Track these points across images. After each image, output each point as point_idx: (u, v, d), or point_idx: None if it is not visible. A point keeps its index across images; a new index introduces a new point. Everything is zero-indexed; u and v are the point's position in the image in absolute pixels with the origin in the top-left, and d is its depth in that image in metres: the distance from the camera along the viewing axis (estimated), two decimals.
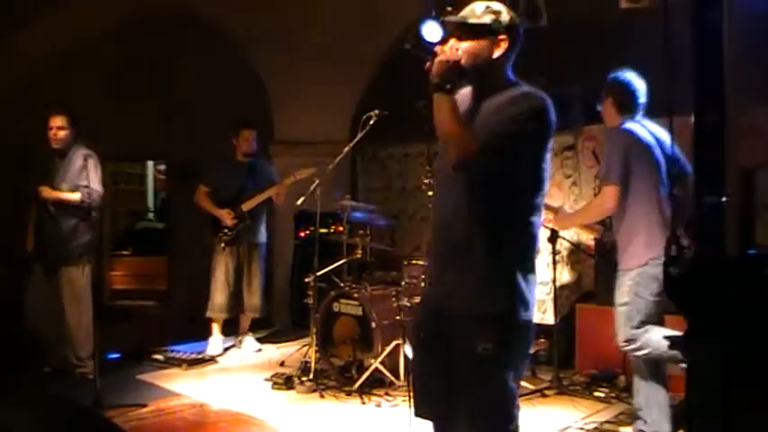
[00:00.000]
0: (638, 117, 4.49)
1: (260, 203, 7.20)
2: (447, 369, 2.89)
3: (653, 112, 4.54)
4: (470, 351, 2.78)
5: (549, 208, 4.82)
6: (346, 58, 8.24)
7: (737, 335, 2.40)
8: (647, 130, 4.44)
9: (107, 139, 8.13)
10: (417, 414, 3.06)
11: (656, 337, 4.18)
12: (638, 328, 4.26)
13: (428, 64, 2.79)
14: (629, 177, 4.27)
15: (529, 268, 2.90)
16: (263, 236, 7.40)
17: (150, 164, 14.89)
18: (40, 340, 6.29)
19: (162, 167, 13.70)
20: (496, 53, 2.87)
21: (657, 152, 4.36)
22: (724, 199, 2.62)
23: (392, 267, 6.95)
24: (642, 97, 4.50)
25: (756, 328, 2.40)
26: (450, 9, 2.95)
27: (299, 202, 6.37)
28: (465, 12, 2.87)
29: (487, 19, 2.85)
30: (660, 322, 4.33)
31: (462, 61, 2.83)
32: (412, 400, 3.12)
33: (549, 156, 2.88)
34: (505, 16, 2.88)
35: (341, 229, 6.78)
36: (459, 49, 2.84)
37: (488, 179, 2.78)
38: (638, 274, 4.26)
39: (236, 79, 8.96)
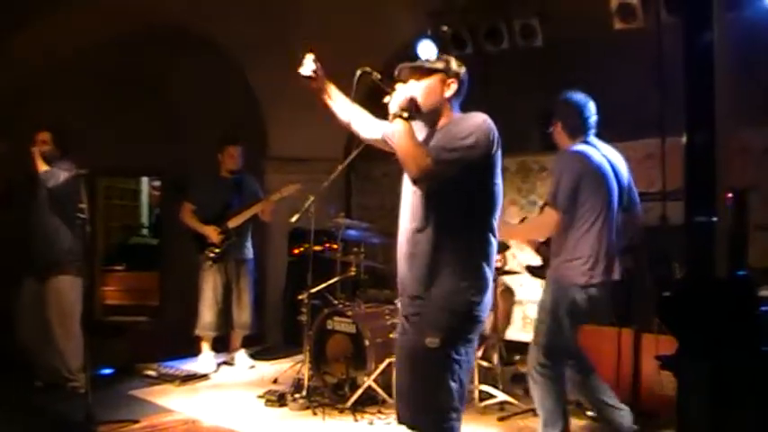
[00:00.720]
0: (590, 138, 4.47)
1: (246, 220, 7.19)
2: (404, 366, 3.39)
3: (643, 131, 4.55)
4: (418, 346, 3.22)
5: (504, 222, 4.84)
6: (342, 74, 8.25)
7: (726, 355, 2.42)
8: (601, 152, 4.41)
9: (101, 153, 8.15)
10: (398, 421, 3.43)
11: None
12: (549, 347, 4.35)
13: (388, 97, 3.33)
14: (576, 203, 4.26)
15: (479, 274, 3.28)
16: (249, 252, 7.40)
17: (145, 180, 14.90)
18: (31, 354, 6.28)
19: (156, 183, 13.70)
20: (447, 93, 3.42)
21: (610, 176, 4.35)
22: (714, 219, 2.65)
23: (385, 285, 6.96)
24: (592, 117, 4.48)
25: (745, 349, 2.42)
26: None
27: (293, 219, 6.37)
28: (421, 59, 3.55)
29: (440, 65, 3.43)
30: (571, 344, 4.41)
31: (418, 98, 3.35)
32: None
33: (500, 176, 3.35)
34: (454, 64, 3.46)
35: (335, 246, 6.80)
36: (416, 89, 3.37)
37: (442, 190, 3.23)
38: (560, 293, 4.31)
39: (231, 95, 8.98)
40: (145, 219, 15.53)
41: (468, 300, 3.23)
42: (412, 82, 3.40)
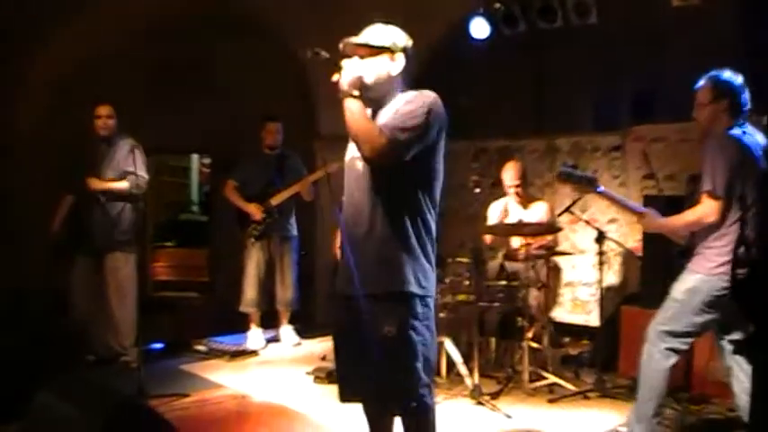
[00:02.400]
0: (745, 123, 4.23)
1: (289, 198, 7.21)
2: (362, 351, 3.21)
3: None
4: (376, 332, 3.11)
5: (633, 209, 4.62)
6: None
7: None
8: (752, 137, 4.19)
9: (151, 132, 8.18)
10: (343, 399, 3.41)
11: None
12: (668, 333, 4.21)
13: (335, 75, 3.19)
14: (732, 190, 4.04)
15: (426, 255, 3.26)
16: (293, 229, 7.43)
17: (195, 157, 15.01)
18: (85, 329, 6.37)
19: (206, 161, 13.79)
20: (394, 70, 3.30)
21: (760, 163, 4.14)
22: None
23: (435, 264, 6.91)
24: (749, 103, 4.23)
25: None
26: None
27: (343, 197, 6.36)
28: (366, 35, 3.30)
29: (386, 42, 3.29)
30: (695, 336, 4.27)
31: (364, 76, 3.21)
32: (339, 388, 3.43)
33: (441, 154, 3.28)
34: (401, 39, 3.33)
35: None
36: (362, 66, 3.23)
37: (392, 169, 3.13)
38: (703, 280, 4.14)
39: (281, 74, 8.97)
40: (194, 196, 15.66)
41: (418, 283, 3.18)
42: (356, 59, 3.26)
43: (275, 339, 7.44)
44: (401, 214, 3.17)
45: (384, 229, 3.16)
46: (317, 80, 8.79)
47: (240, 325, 7.37)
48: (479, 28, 7.53)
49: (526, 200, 6.67)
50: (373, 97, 3.27)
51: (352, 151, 3.30)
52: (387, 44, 3.28)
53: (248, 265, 7.24)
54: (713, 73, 4.28)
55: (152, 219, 11.33)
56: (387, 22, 3.38)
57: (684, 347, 4.26)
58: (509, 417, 5.06)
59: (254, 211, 7.13)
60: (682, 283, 4.23)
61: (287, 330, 7.45)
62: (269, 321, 7.47)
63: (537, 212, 6.58)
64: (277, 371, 6.45)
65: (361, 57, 3.25)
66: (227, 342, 7.11)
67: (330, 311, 3.44)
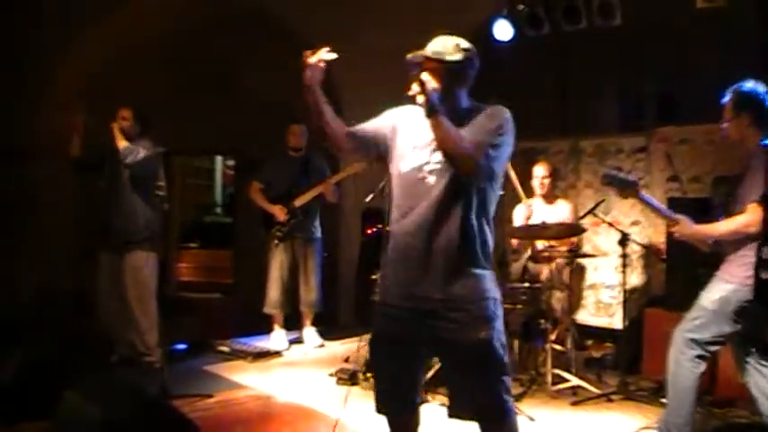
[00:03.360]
0: None
1: (313, 199, 7.22)
2: (420, 364, 3.34)
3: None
4: (466, 339, 3.10)
5: (668, 216, 4.57)
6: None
7: None
8: None
9: (177, 133, 8.25)
10: (383, 411, 3.39)
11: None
12: (696, 341, 4.17)
13: (417, 90, 3.06)
14: None
15: (491, 259, 3.25)
16: (317, 231, 7.42)
17: (219, 159, 15.09)
18: (109, 329, 6.42)
19: (230, 162, 13.86)
20: (464, 85, 3.29)
21: None
22: None
23: None
24: None
25: None
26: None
27: (367, 199, 6.39)
28: (437, 47, 3.23)
29: (459, 56, 3.22)
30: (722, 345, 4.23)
31: (438, 88, 3.09)
32: (378, 400, 3.39)
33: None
34: (472, 54, 3.27)
35: None
36: (435, 81, 3.10)
37: (478, 184, 3.14)
38: (734, 290, 4.10)
39: (302, 77, 8.99)
40: (219, 197, 15.75)
41: (494, 287, 3.21)
42: (425, 75, 3.10)
43: (298, 341, 7.46)
44: (475, 223, 3.16)
45: (461, 239, 3.12)
46: (342, 82, 8.83)
47: (264, 326, 7.40)
48: (503, 30, 7.52)
49: (552, 197, 6.68)
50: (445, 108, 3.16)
51: (413, 161, 3.23)
52: (460, 58, 3.23)
53: (272, 267, 7.27)
54: (735, 86, 4.25)
55: (176, 220, 11.40)
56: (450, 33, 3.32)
57: (710, 355, 4.22)
58: (532, 419, 5.05)
59: (279, 212, 7.15)
60: (713, 292, 4.19)
61: (310, 332, 7.46)
62: (292, 323, 7.49)
63: (561, 212, 6.58)
64: (300, 372, 6.47)
65: (431, 69, 3.16)
66: (250, 343, 7.13)
67: (379, 322, 3.35)
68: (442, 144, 3.09)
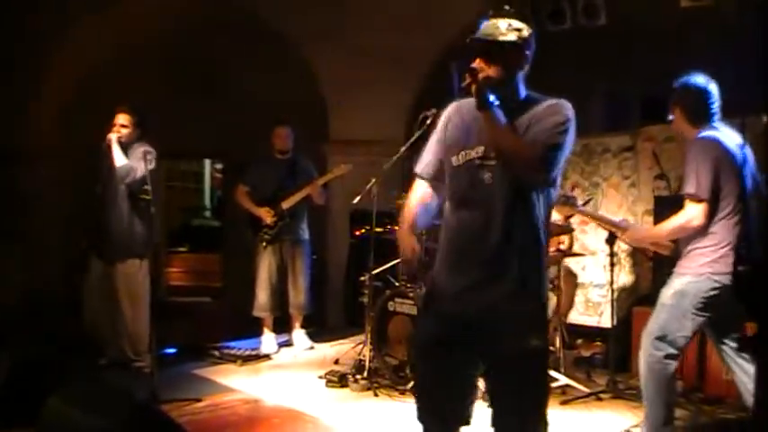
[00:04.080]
0: (716, 124, 4.17)
1: (300, 201, 7.20)
2: (470, 374, 3.05)
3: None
4: (522, 347, 2.92)
5: (614, 225, 4.58)
6: (402, 56, 8.24)
7: None
8: (728, 137, 4.13)
9: (164, 137, 8.22)
10: (425, 419, 3.13)
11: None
12: (661, 339, 4.15)
13: (468, 80, 2.88)
14: (718, 192, 4.00)
15: (546, 262, 3.09)
16: (305, 233, 7.41)
17: (207, 162, 15.08)
18: (98, 334, 6.41)
19: (218, 166, 13.85)
20: (522, 68, 3.02)
21: (741, 162, 4.06)
22: None
23: None
24: (716, 102, 4.18)
25: None
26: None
27: (354, 200, 6.39)
28: (489, 29, 2.96)
29: (513, 36, 2.94)
30: (688, 340, 4.21)
31: (493, 75, 2.92)
32: (422, 407, 3.15)
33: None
34: (526, 33, 2.98)
35: (396, 228, 6.75)
36: (490, 67, 2.92)
37: (535, 187, 2.94)
38: (689, 282, 4.10)
39: (291, 79, 9.00)
40: (207, 201, 15.74)
41: (547, 293, 3.10)
42: (479, 61, 2.92)
43: (288, 343, 7.45)
44: (534, 224, 2.96)
45: (521, 241, 2.92)
46: (328, 84, 8.83)
47: (253, 329, 7.39)
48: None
49: None
50: (500, 101, 2.94)
51: (463, 155, 3.02)
52: (515, 39, 2.94)
53: (260, 270, 7.25)
54: (681, 79, 4.27)
55: (165, 224, 11.38)
56: (502, 14, 3.01)
57: (678, 352, 4.18)
58: None
59: (265, 214, 7.14)
60: (669, 288, 4.19)
61: (299, 334, 7.45)
62: (282, 325, 7.48)
63: None
64: (289, 375, 6.46)
65: (488, 58, 2.94)
66: (239, 346, 7.12)
67: (429, 327, 3.13)
68: (496, 141, 2.90)
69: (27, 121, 8.28)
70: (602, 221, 4.50)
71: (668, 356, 4.15)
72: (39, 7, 7.61)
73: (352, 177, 6.93)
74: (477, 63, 2.91)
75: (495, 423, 3.01)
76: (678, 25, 7.07)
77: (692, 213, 4.03)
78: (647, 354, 4.22)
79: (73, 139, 7.80)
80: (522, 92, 3.05)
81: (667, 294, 4.18)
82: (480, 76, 2.87)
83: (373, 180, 6.15)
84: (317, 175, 7.30)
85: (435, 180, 3.21)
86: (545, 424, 2.98)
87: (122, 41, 8.72)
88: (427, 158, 3.24)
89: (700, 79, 4.20)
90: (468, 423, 3.08)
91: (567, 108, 2.95)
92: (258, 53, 9.14)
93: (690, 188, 4.03)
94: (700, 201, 4.00)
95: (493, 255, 2.93)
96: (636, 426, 4.82)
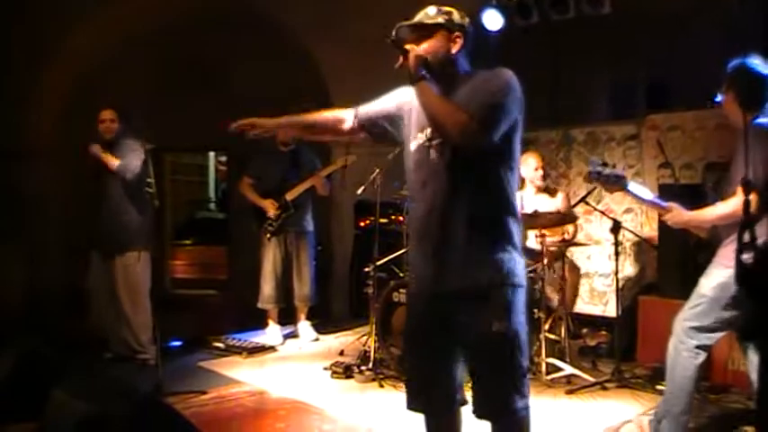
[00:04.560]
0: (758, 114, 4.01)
1: (304, 192, 7.20)
2: (450, 357, 3.07)
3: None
4: (481, 331, 2.92)
5: (659, 206, 4.52)
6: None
7: None
8: None
9: (167, 130, 8.25)
10: (413, 407, 3.21)
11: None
12: (697, 329, 4.11)
13: (401, 61, 3.01)
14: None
15: (515, 239, 3.03)
16: (309, 224, 7.39)
17: (212, 155, 15.07)
18: (102, 328, 6.42)
19: (223, 158, 13.84)
20: (454, 49, 3.09)
21: None
22: None
23: None
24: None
25: None
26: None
27: (358, 191, 6.38)
28: (419, 16, 3.13)
29: (441, 19, 3.09)
30: (723, 333, 4.15)
31: (424, 56, 3.03)
32: (409, 392, 3.23)
33: (520, 133, 3.05)
34: (456, 16, 3.12)
35: (401, 218, 6.76)
36: (420, 49, 3.04)
37: (482, 154, 2.94)
38: (733, 275, 4.03)
39: (294, 71, 8.98)
40: (212, 193, 15.73)
41: (515, 272, 2.96)
42: (412, 45, 3.05)
43: (293, 335, 7.45)
44: (490, 201, 2.97)
45: (475, 220, 2.94)
46: (331, 75, 8.81)
47: (259, 321, 7.39)
48: (492, 19, 7.49)
49: (544, 190, 6.68)
50: (439, 80, 3.04)
51: (416, 140, 3.10)
52: (441, 21, 3.08)
53: (265, 262, 7.25)
54: (735, 60, 4.10)
55: (170, 217, 11.38)
56: (439, 4, 3.18)
57: (711, 343, 4.14)
58: None
59: (270, 206, 7.13)
60: (711, 278, 4.09)
61: (305, 326, 7.45)
62: (287, 317, 7.48)
63: (553, 202, 6.57)
64: (294, 366, 6.46)
65: (418, 39, 3.07)
66: (245, 338, 7.12)
67: (410, 316, 3.21)
68: (427, 111, 2.97)
69: (28, 120, 8.28)
70: (647, 201, 4.41)
71: (700, 347, 4.10)
72: (39, 5, 7.59)
73: (357, 168, 6.92)
74: (409, 46, 3.03)
75: (473, 405, 3.05)
76: (683, 12, 7.03)
77: (741, 201, 3.92)
78: (678, 341, 4.17)
79: (74, 137, 7.76)
80: (464, 68, 3.13)
81: (709, 285, 4.08)
82: (413, 53, 2.99)
83: (377, 171, 6.14)
84: (320, 167, 7.28)
85: (360, 120, 3.36)
86: (522, 408, 2.98)
87: (122, 38, 8.71)
88: (371, 105, 3.37)
89: (757, 63, 4.04)
90: (464, 403, 3.14)
91: (506, 73, 2.98)
92: (259, 45, 9.12)
93: (753, 176, 3.76)
94: (755, 189, 3.80)
95: (441, 234, 2.98)
96: (642, 414, 4.82)
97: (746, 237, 2.46)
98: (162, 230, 10.33)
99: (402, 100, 3.27)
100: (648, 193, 4.47)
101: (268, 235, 7.17)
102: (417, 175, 3.11)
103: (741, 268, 2.65)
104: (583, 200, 6.25)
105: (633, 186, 4.32)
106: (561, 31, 7.78)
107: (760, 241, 3.84)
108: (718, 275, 4.06)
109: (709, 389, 5.26)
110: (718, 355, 5.31)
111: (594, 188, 6.41)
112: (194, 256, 12.14)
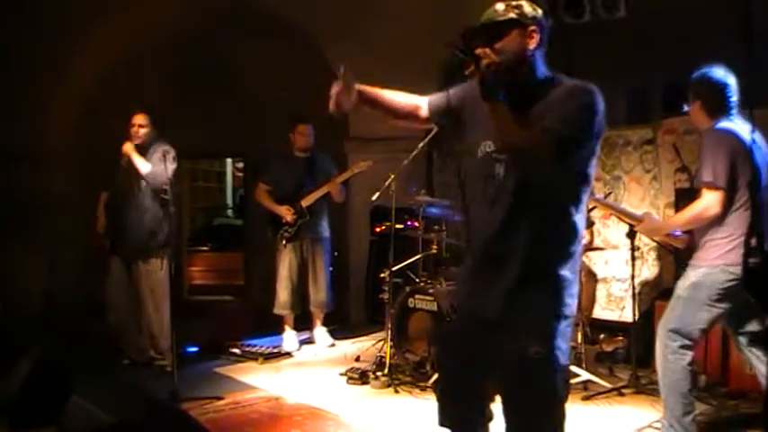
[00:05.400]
0: (733, 117, 4.15)
1: (320, 199, 7.20)
2: (485, 377, 2.96)
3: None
4: (522, 356, 2.75)
5: (631, 216, 4.56)
6: (421, 53, 8.20)
7: None
8: (743, 130, 4.10)
9: (185, 137, 8.27)
10: (443, 423, 3.09)
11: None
12: (677, 331, 4.14)
13: (472, 69, 2.74)
14: (734, 183, 3.98)
15: (574, 268, 2.87)
16: (325, 230, 7.39)
17: (229, 161, 15.12)
18: (120, 333, 6.45)
19: (240, 165, 13.89)
20: (530, 46, 2.83)
21: (756, 153, 4.04)
22: None
23: None
24: (734, 95, 4.16)
25: None
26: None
27: (373, 197, 6.38)
28: (486, 15, 2.85)
29: (512, 14, 2.81)
30: (704, 332, 4.21)
31: (498, 61, 2.74)
32: (441, 408, 3.11)
33: (595, 158, 2.87)
34: (528, 9, 2.84)
35: (416, 224, 6.75)
36: (494, 52, 2.76)
37: (551, 182, 2.76)
38: (705, 274, 4.09)
39: (310, 76, 8.98)
40: (229, 200, 15.79)
41: (570, 302, 2.83)
42: (482, 49, 2.75)
43: (309, 341, 7.45)
44: (553, 227, 2.80)
45: (534, 243, 2.77)
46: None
47: (276, 327, 7.40)
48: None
49: None
50: (515, 85, 2.81)
51: (482, 147, 2.91)
52: (513, 16, 2.80)
53: (281, 268, 7.25)
54: (697, 72, 4.27)
55: (187, 223, 11.43)
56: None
57: (693, 342, 4.18)
58: None
59: (285, 212, 7.13)
60: (685, 279, 4.20)
61: (321, 332, 7.46)
62: (304, 323, 7.49)
63: None
64: (310, 372, 6.47)
65: (489, 42, 2.78)
66: (261, 344, 7.14)
67: (450, 329, 3.11)
68: (501, 136, 2.76)
69: (47, 125, 8.33)
70: (619, 213, 4.47)
71: (683, 347, 4.15)
72: (56, 10, 7.64)
73: (373, 174, 6.91)
74: (480, 51, 2.74)
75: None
76: (699, 15, 6.99)
77: (709, 201, 4.02)
78: (662, 345, 4.23)
79: (94, 141, 7.83)
80: (541, 73, 2.89)
81: (683, 286, 4.18)
82: (483, 62, 2.71)
83: (392, 176, 6.14)
84: (336, 173, 7.29)
85: (430, 109, 3.17)
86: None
87: (140, 43, 8.75)
88: (440, 97, 3.12)
89: (718, 72, 4.19)
90: (491, 419, 3.05)
91: (590, 92, 2.76)
92: (277, 50, 9.14)
93: (706, 176, 4.02)
94: (716, 189, 3.99)
95: (495, 252, 2.85)
96: (657, 421, 4.79)
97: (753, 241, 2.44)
98: (179, 237, 10.38)
99: (468, 96, 3.00)
100: (619, 204, 4.50)
101: (284, 241, 7.18)
102: (481, 188, 2.92)
103: (748, 272, 2.65)
104: (598, 204, 6.23)
105: (599, 195, 4.37)
106: (575, 35, 7.75)
107: (739, 241, 3.95)
108: (691, 276, 4.16)
109: (726, 394, 5.23)
110: (736, 360, 5.27)
111: (610, 192, 6.41)
112: (211, 263, 12.17)
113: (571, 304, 2.85)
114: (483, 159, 2.90)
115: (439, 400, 3.17)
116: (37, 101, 8.09)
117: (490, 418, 3.06)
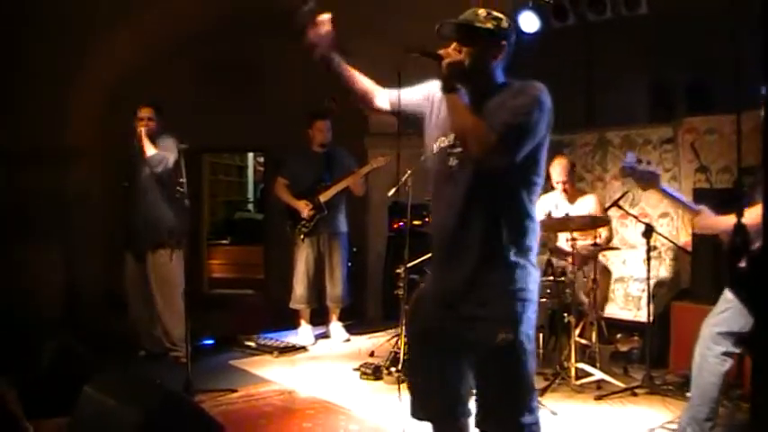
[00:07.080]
0: None
1: (338, 194, 7.22)
2: (455, 365, 3.01)
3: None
4: (488, 341, 2.84)
5: (689, 208, 4.46)
6: (442, 48, 8.20)
7: None
8: None
9: (206, 131, 8.33)
10: (417, 416, 3.14)
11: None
12: (724, 335, 4.06)
13: (443, 61, 2.90)
14: None
15: (532, 252, 2.97)
16: (343, 226, 7.42)
17: (250, 156, 15.16)
18: (136, 325, 6.51)
19: (261, 159, 13.93)
20: (495, 59, 2.98)
21: None
22: None
23: None
24: None
25: None
26: None
27: (390, 193, 6.39)
28: (468, 15, 2.96)
29: (490, 25, 2.94)
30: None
31: (465, 63, 2.91)
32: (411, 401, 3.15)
33: (545, 149, 2.96)
34: (505, 23, 2.98)
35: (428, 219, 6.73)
36: (462, 52, 2.93)
37: (502, 172, 2.85)
38: None
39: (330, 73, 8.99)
40: (250, 194, 15.83)
41: (527, 287, 2.89)
42: (455, 45, 2.94)
43: (325, 336, 7.48)
44: (507, 214, 2.89)
45: (490, 232, 2.87)
46: (367, 76, 8.80)
47: (292, 321, 7.44)
48: (529, 21, 7.45)
49: (573, 195, 6.61)
50: (474, 87, 2.97)
51: (438, 142, 3.03)
52: (491, 27, 2.93)
53: (298, 262, 7.29)
54: None
55: (208, 217, 11.48)
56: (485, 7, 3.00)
57: (737, 350, 4.10)
58: (554, 413, 5.01)
59: (303, 207, 7.16)
60: None
61: (336, 327, 7.48)
62: (320, 318, 7.52)
63: (584, 206, 6.51)
64: (324, 366, 6.49)
65: (461, 40, 2.93)
66: (277, 338, 7.17)
67: (416, 320, 3.15)
68: (454, 123, 2.91)
69: (66, 122, 8.38)
70: (678, 202, 4.36)
71: (726, 353, 4.08)
72: (79, 8, 7.69)
73: (392, 170, 6.91)
74: (452, 46, 2.93)
75: (476, 419, 2.98)
76: (722, 11, 6.93)
77: None
78: (705, 346, 4.15)
79: (111, 138, 7.88)
80: (499, 79, 3.02)
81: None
82: (447, 60, 2.89)
83: (408, 172, 6.13)
84: (355, 168, 7.30)
85: (392, 102, 3.26)
86: (530, 424, 2.88)
87: (161, 40, 8.78)
88: (406, 91, 3.25)
89: None
90: (469, 414, 3.07)
91: (537, 89, 2.88)
92: (298, 48, 9.13)
93: None
94: None
95: (454, 243, 2.94)
96: (671, 422, 4.76)
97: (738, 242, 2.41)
98: (199, 230, 10.43)
99: (430, 94, 3.17)
100: (680, 195, 4.43)
101: (302, 236, 7.20)
102: (436, 179, 3.06)
103: (735, 275, 2.62)
104: (616, 203, 6.20)
105: (666, 185, 4.29)
106: (597, 32, 7.71)
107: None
108: None
109: (741, 397, 5.19)
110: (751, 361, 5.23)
111: (627, 191, 6.36)
112: (232, 256, 12.24)
113: (533, 290, 2.93)
114: (439, 154, 3.03)
115: (410, 391, 3.19)
116: (59, 99, 8.14)
117: (468, 413, 3.08)
